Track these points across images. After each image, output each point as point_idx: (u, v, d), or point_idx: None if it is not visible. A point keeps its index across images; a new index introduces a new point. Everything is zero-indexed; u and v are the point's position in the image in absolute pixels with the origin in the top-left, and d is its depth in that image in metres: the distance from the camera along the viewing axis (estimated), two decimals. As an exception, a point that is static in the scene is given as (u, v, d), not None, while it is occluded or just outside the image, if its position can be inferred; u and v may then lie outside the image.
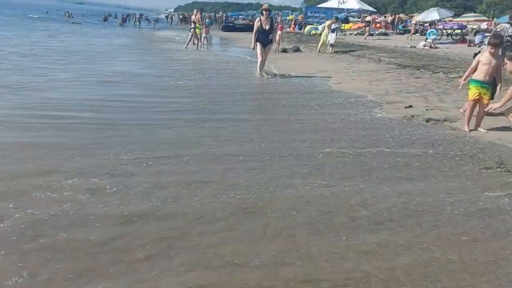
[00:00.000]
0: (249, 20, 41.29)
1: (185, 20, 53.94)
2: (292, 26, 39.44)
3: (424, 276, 2.65)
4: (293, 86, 9.78)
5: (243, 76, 10.95)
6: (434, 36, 21.50)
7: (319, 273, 2.65)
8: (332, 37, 18.02)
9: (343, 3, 39.77)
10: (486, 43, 6.57)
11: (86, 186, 3.69)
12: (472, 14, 38.50)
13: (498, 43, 6.16)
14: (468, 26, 27.54)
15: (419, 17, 30.56)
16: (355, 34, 30.16)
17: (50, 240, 2.86)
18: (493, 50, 6.05)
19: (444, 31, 25.54)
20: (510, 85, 6.06)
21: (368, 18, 31.44)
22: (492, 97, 6.30)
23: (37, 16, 44.90)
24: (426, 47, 20.33)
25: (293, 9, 70.31)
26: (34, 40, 18.91)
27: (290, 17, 50.58)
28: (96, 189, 3.64)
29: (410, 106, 7.61)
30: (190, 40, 19.23)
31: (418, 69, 12.80)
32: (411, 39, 24.51)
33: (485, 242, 3.11)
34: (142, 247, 2.82)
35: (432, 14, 27.69)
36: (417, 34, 26.69)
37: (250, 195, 3.68)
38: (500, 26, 16.78)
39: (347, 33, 30.82)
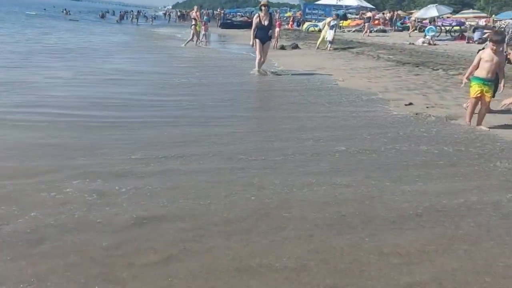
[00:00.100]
0: (247, 17, 41.19)
1: (183, 17, 53.85)
2: (290, 23, 39.31)
3: (455, 282, 2.54)
4: (298, 83, 9.70)
5: (246, 73, 10.83)
6: (433, 33, 21.44)
7: (342, 277, 2.55)
8: (330, 34, 17.94)
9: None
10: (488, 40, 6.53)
11: (92, 187, 3.59)
12: (471, 10, 38.42)
13: (500, 40, 6.10)
14: (467, 23, 27.47)
15: (417, 14, 30.50)
16: (354, 31, 30.08)
17: (57, 244, 2.76)
18: (495, 47, 5.99)
19: (442, 27, 25.48)
20: None
21: (369, 14, 31.32)
22: (493, 95, 6.25)
23: (34, 13, 44.68)
24: (425, 44, 20.28)
25: (291, 6, 70.14)
26: (30, 37, 18.82)
27: (288, 14, 50.45)
28: (104, 191, 3.53)
29: (411, 104, 7.56)
30: (191, 38, 19.02)
31: (417, 66, 12.75)
32: (410, 36, 24.44)
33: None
34: (155, 250, 2.73)
35: (431, 11, 27.65)
36: (415, 30, 26.62)
37: (265, 196, 3.59)
38: (504, 22, 16.72)
39: (345, 30, 30.73)
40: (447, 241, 2.99)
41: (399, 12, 38.12)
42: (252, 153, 4.64)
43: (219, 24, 38.62)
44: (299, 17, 40.56)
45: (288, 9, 62.24)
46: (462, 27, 25.96)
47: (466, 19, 29.92)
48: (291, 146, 4.97)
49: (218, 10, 48.99)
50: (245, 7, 72.14)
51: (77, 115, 6.02)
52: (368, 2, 42.70)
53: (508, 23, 16.04)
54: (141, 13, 53.98)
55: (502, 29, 14.38)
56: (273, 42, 13.60)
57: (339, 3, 38.70)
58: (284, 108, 7.26)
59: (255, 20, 10.69)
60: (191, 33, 19.10)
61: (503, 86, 6.22)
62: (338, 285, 2.48)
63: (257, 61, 10.66)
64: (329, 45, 17.88)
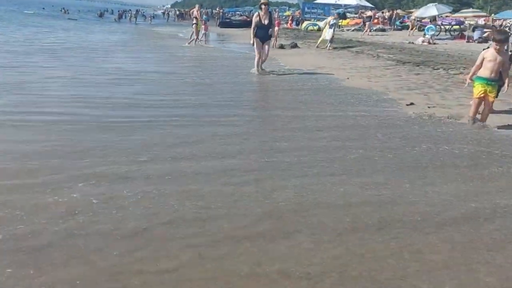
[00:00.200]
0: (246, 16, 41.04)
1: (181, 16, 53.70)
2: (289, 22, 39.21)
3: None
4: (304, 82, 9.63)
5: (251, 72, 10.69)
6: (433, 32, 21.36)
7: (364, 284, 2.47)
8: (329, 33, 17.87)
9: (341, -2, 39.58)
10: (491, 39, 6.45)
11: (98, 190, 3.49)
12: (471, 9, 38.37)
13: (503, 39, 6.02)
14: (466, 22, 27.41)
15: (417, 13, 30.43)
16: (353, 30, 30.00)
17: (62, 252, 2.66)
18: (498, 47, 5.92)
19: (442, 26, 25.41)
20: None
21: (369, 14, 31.24)
22: (497, 95, 6.17)
23: (32, 12, 44.52)
24: (425, 43, 20.20)
25: (290, 5, 70.01)
26: (28, 36, 18.68)
27: (287, 13, 50.35)
28: (111, 194, 3.43)
29: (412, 104, 7.48)
30: (195, 37, 18.87)
31: (417, 66, 12.67)
32: (413, 34, 24.37)
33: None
34: (168, 257, 2.63)
35: (430, 10, 27.58)
36: (414, 29, 26.54)
37: (279, 198, 3.48)
38: (510, 21, 16.65)
39: (344, 29, 30.64)
40: (471, 248, 2.89)
41: (398, 11, 38.07)
42: (263, 153, 4.55)
43: (218, 23, 38.49)
44: (298, 16, 40.48)
45: (287, 8, 62.17)
46: (462, 26, 25.91)
47: (465, 18, 29.88)
48: (303, 146, 4.88)
49: (217, 9, 48.90)
50: (244, 6, 72.01)
51: (79, 116, 5.92)
52: (367, 1, 42.61)
53: (513, 22, 15.97)
54: (140, 12, 53.83)
55: (508, 28, 14.29)
56: (272, 41, 13.49)
57: (338, 2, 38.58)
58: (292, 107, 7.12)
59: (255, 19, 10.61)
60: (193, 32, 18.97)
61: (507, 86, 6.13)
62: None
63: (256, 60, 10.58)
64: (329, 44, 17.80)
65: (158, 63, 12.41)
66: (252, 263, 2.61)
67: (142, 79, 9.26)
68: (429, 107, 7.27)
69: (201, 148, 4.69)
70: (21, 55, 12.25)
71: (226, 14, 44.47)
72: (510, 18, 22.18)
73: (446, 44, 20.41)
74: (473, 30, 23.16)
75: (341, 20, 28.43)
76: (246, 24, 30.12)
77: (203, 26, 19.53)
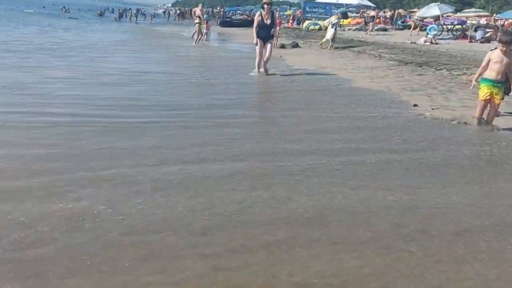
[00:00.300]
0: (246, 15, 40.91)
1: (182, 15, 53.56)
2: (290, 21, 39.06)
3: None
4: (312, 83, 9.53)
5: (251, 74, 10.52)
6: (435, 32, 21.19)
7: None
8: (330, 32, 17.77)
9: (342, -3, 39.41)
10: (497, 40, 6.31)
11: (104, 196, 3.35)
12: (473, 9, 38.18)
13: (510, 40, 5.87)
14: (468, 22, 27.24)
15: (419, 13, 30.27)
16: (354, 30, 29.86)
17: (68, 261, 2.51)
18: (504, 48, 5.80)
19: (444, 26, 25.24)
20: None
21: (372, 13, 31.09)
22: (503, 97, 6.03)
23: (32, 11, 44.42)
24: (427, 43, 20.06)
25: (291, 4, 69.80)
26: (28, 36, 18.56)
27: (288, 12, 50.16)
28: (117, 200, 3.29)
29: (415, 105, 7.34)
30: (201, 37, 18.81)
31: (420, 66, 12.56)
32: (418, 34, 24.23)
33: None
34: (181, 269, 2.47)
35: (433, 10, 27.40)
36: (416, 29, 26.40)
37: (300, 204, 3.33)
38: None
39: (346, 28, 30.50)
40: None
41: (400, 10, 37.90)
42: (275, 156, 4.42)
43: (218, 22, 38.36)
44: (299, 16, 40.32)
45: (288, 7, 61.91)
46: (464, 26, 25.74)
47: (467, 18, 29.70)
48: (317, 149, 4.75)
49: (218, 8, 48.76)
50: (244, 5, 71.85)
51: (83, 117, 5.79)
52: (369, 0, 42.44)
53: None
54: (140, 11, 53.70)
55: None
56: (274, 40, 13.34)
57: (339, 1, 38.43)
58: (301, 108, 6.98)
59: (257, 19, 10.48)
60: (196, 31, 18.86)
61: None
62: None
63: (257, 61, 10.44)
64: (330, 44, 17.68)
65: (162, 63, 12.31)
66: (268, 274, 2.47)
67: (146, 80, 9.14)
68: (432, 109, 7.13)
69: (209, 150, 4.55)
70: (24, 54, 12.17)
71: (227, 13, 44.31)
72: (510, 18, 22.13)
73: (448, 44, 20.28)
74: (475, 30, 22.99)
75: (342, 20, 28.28)
76: (246, 23, 29.98)
77: (204, 26, 19.41)
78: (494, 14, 32.75)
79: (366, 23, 29.64)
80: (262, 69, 10.40)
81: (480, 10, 37.90)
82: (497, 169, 4.53)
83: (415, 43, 20.43)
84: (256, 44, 10.39)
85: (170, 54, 14.76)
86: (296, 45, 18.51)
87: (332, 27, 17.91)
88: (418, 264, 2.64)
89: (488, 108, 6.00)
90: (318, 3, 39.56)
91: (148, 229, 2.90)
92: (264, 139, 5.14)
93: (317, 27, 30.27)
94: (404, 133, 5.60)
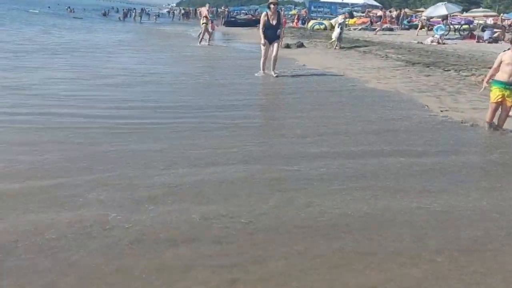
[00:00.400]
0: (251, 15, 40.83)
1: (187, 15, 53.49)
2: (295, 21, 38.94)
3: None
4: (324, 84, 9.43)
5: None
6: (442, 32, 21.00)
7: None
8: (336, 32, 17.69)
9: (348, -3, 39.31)
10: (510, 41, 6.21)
11: (113, 201, 3.26)
12: (480, 9, 37.91)
13: (521, 41, 5.77)
14: (475, 22, 27.04)
15: (426, 12, 30.07)
16: (360, 29, 29.72)
17: (78, 270, 2.44)
18: (516, 50, 5.68)
19: (451, 26, 25.05)
20: None
21: (380, 13, 30.92)
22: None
23: (37, 11, 44.50)
24: (434, 43, 19.90)
25: (296, 4, 69.63)
26: (33, 36, 18.57)
27: (293, 11, 50.04)
28: (126, 206, 3.19)
29: (426, 106, 7.24)
30: (210, 37, 18.78)
31: (428, 67, 12.44)
32: (426, 34, 24.05)
33: None
34: (195, 280, 2.37)
35: (440, 9, 27.19)
36: (423, 29, 26.22)
37: (322, 211, 3.23)
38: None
39: (351, 28, 30.35)
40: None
41: (406, 10, 37.67)
42: (291, 160, 4.31)
43: (223, 22, 38.30)
44: (304, 15, 40.18)
45: (293, 6, 61.78)
46: (471, 26, 25.54)
47: (474, 17, 29.48)
48: (335, 151, 4.66)
49: (223, 8, 48.70)
50: (249, 5, 71.77)
51: (90, 118, 5.72)
52: (375, 0, 42.25)
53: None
54: (145, 11, 53.67)
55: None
56: (280, 41, 13.26)
57: (345, 0, 38.29)
58: (316, 109, 6.88)
59: (263, 19, 10.39)
60: (204, 31, 18.79)
61: None
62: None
63: (262, 62, 10.35)
64: (336, 43, 17.59)
65: (168, 64, 12.21)
66: (288, 287, 2.36)
67: (153, 80, 9.05)
68: (441, 111, 7.03)
69: (221, 153, 4.46)
70: (29, 54, 12.12)
71: (232, 13, 44.22)
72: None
73: (455, 44, 20.11)
74: (483, 30, 22.79)
75: (348, 19, 28.15)
76: (251, 23, 29.90)
77: (210, 25, 19.35)
78: (501, 14, 32.48)
79: (372, 23, 29.48)
80: (267, 70, 10.33)
81: (487, 10, 37.64)
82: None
83: (421, 43, 20.27)
84: (264, 44, 10.34)
85: (176, 54, 14.66)
86: (301, 45, 18.40)
87: (338, 27, 17.81)
88: (448, 276, 2.53)
89: (500, 110, 5.91)
90: (323, 2, 39.39)
91: (159, 237, 2.81)
92: (279, 141, 5.03)
93: (322, 26, 30.15)
94: (423, 136, 5.49)
